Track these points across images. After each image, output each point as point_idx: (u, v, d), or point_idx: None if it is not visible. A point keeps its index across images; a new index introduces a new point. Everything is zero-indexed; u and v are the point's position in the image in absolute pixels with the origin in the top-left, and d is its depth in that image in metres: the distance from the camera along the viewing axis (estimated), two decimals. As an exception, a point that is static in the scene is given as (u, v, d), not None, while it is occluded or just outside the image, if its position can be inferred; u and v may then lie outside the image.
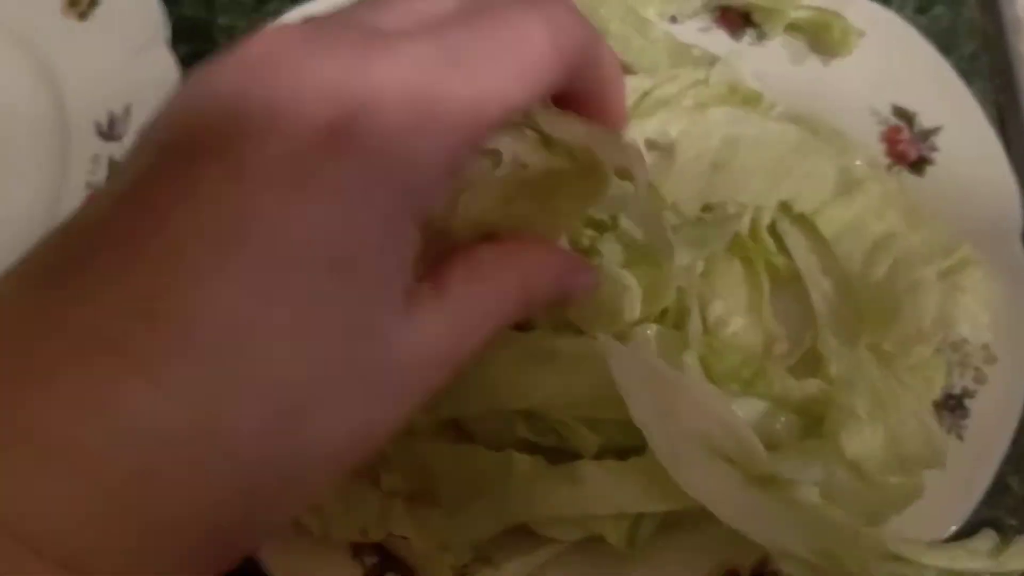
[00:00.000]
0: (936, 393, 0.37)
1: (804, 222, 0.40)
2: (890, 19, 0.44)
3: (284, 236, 0.21)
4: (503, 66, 0.23)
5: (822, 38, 0.44)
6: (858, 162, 0.40)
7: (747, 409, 0.35)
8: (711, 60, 0.43)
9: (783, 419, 0.35)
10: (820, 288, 0.39)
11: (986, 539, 0.33)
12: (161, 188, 0.21)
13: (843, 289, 0.39)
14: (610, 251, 0.36)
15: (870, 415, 0.34)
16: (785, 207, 0.40)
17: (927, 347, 0.37)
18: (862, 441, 0.33)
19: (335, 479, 0.23)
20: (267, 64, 0.22)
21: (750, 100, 0.41)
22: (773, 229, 0.40)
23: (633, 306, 0.35)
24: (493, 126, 0.24)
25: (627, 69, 0.43)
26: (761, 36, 0.45)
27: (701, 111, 0.40)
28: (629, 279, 0.35)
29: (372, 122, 0.21)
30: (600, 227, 0.37)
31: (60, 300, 0.20)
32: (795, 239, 0.40)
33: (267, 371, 0.20)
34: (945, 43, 0.45)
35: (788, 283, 0.40)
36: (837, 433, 0.33)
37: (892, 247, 0.38)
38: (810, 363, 0.38)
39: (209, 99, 0.22)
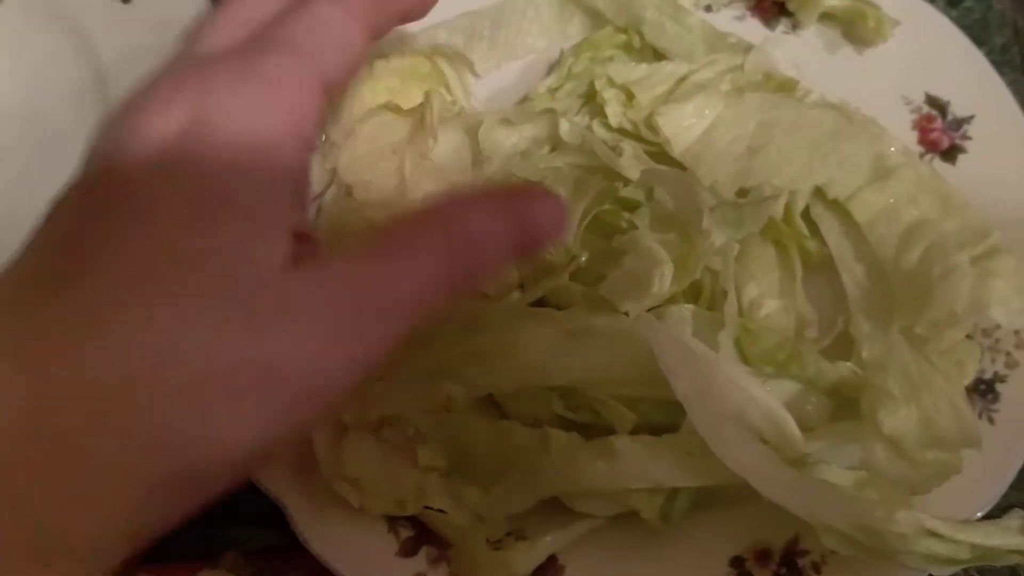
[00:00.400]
0: (968, 377, 0.38)
1: (838, 208, 0.40)
2: (923, 9, 0.45)
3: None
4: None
5: (856, 27, 0.44)
6: (892, 148, 0.40)
7: (780, 391, 0.36)
8: (746, 48, 0.43)
9: (814, 400, 0.36)
10: (852, 273, 0.40)
11: (1016, 518, 0.33)
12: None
13: (876, 274, 0.39)
14: (643, 222, 0.36)
15: (904, 396, 0.34)
16: (819, 192, 0.40)
17: (959, 331, 0.37)
18: (898, 419, 0.33)
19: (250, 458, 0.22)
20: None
21: (786, 87, 0.42)
22: (807, 214, 0.40)
23: (664, 280, 0.35)
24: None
25: (661, 56, 0.44)
26: (795, 25, 0.46)
27: (738, 96, 0.41)
28: (662, 253, 0.35)
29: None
30: (635, 207, 0.38)
31: None
32: (829, 224, 0.40)
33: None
34: (976, 35, 0.46)
35: (821, 268, 0.40)
36: (874, 412, 0.33)
37: (925, 233, 0.39)
38: (841, 347, 0.39)
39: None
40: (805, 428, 0.33)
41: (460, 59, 0.43)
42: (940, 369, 0.36)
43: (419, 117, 0.41)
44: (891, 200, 0.39)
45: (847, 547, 0.32)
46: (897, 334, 0.37)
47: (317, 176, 0.42)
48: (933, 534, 0.31)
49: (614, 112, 0.41)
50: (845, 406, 0.36)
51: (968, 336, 0.39)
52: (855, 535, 0.31)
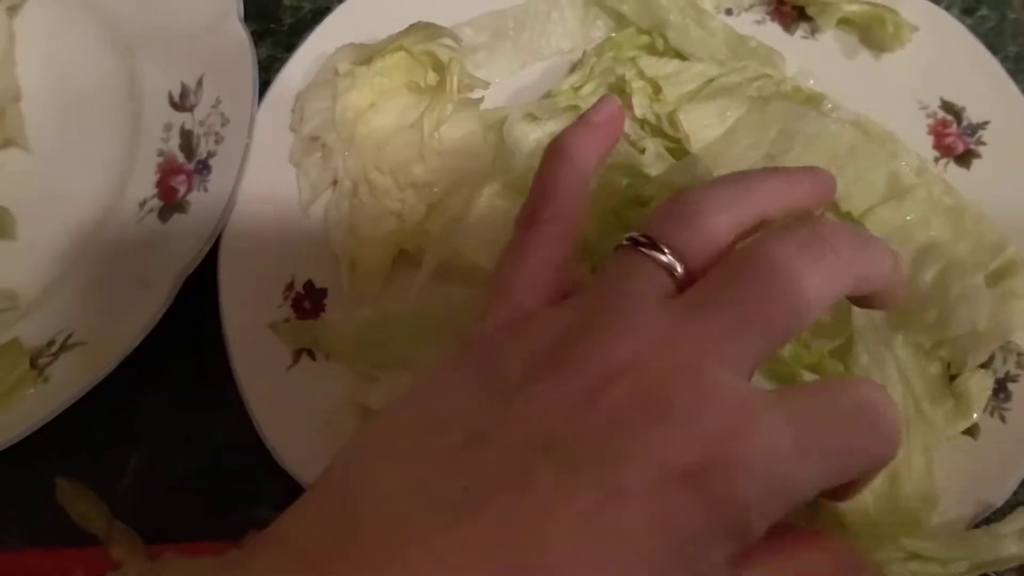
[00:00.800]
0: (963, 425, 0.37)
1: (852, 221, 0.40)
2: (939, 16, 0.46)
3: None
4: None
5: (874, 32, 0.45)
6: (908, 168, 0.41)
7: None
8: (766, 52, 0.44)
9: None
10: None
11: (1016, 520, 0.34)
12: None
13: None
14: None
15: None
16: (832, 205, 0.41)
17: (981, 354, 0.38)
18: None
19: None
20: None
21: (813, 100, 0.43)
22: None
23: None
24: None
25: (683, 59, 0.45)
26: (814, 30, 0.46)
27: (763, 102, 0.41)
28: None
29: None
30: (645, 202, 0.39)
31: None
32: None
33: None
34: (991, 44, 0.46)
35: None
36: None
37: (941, 254, 0.39)
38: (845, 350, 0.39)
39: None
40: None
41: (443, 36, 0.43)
42: (928, 418, 0.37)
43: (439, 86, 0.42)
44: (905, 220, 0.39)
45: None
46: (895, 368, 0.37)
47: (318, 179, 0.43)
48: (916, 556, 0.31)
49: (640, 104, 0.41)
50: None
51: (983, 366, 0.38)
52: None
